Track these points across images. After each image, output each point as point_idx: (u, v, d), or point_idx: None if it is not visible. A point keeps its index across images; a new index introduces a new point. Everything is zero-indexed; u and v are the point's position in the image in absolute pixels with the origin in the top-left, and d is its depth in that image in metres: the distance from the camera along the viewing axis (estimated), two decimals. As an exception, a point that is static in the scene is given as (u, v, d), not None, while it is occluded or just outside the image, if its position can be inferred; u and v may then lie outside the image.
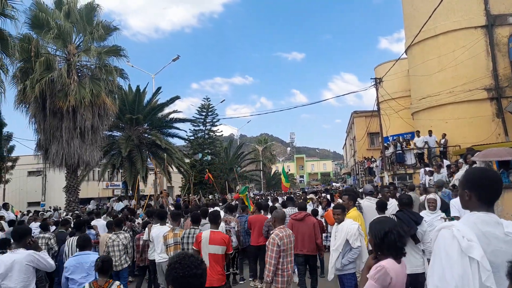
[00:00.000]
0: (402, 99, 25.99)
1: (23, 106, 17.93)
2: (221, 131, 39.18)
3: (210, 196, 26.22)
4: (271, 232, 5.39)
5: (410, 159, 20.28)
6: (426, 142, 19.17)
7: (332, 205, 10.36)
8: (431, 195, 6.95)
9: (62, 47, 18.66)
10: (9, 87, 17.16)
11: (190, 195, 27.66)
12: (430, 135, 18.99)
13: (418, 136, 19.66)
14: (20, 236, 4.64)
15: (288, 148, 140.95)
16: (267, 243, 5.21)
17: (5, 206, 14.03)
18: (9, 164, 28.54)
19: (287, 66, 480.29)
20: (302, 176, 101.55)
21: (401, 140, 21.38)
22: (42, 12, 17.83)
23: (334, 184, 41.27)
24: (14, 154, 30.20)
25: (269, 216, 8.53)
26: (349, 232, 5.36)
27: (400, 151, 20.44)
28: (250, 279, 8.87)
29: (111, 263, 4.41)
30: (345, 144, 54.82)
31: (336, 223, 5.74)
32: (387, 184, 16.04)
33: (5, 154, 24.02)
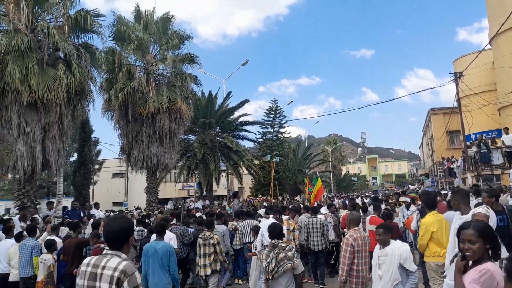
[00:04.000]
0: (486, 93, 23.91)
1: (109, 113, 19.57)
2: (289, 132, 39.16)
3: (280, 198, 26.31)
4: (346, 233, 5.44)
5: (497, 158, 18.58)
6: (516, 140, 17.41)
7: (413, 207, 9.85)
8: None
9: (141, 58, 20.03)
10: (97, 96, 18.88)
11: (260, 196, 27.99)
12: (523, 132, 17.20)
13: (507, 133, 17.93)
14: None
15: (359, 149, 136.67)
16: (341, 243, 5.31)
17: (96, 206, 15.40)
18: (97, 167, 31.23)
19: (355, 64, 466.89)
20: (375, 178, 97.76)
21: (484, 138, 19.65)
22: (123, 26, 19.31)
23: (410, 186, 39.09)
24: (100, 157, 33.02)
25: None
26: (402, 255, 4.65)
27: (486, 150, 18.79)
28: None
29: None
30: (421, 143, 51.79)
31: (379, 246, 4.97)
32: (470, 186, 14.83)
33: (93, 157, 26.35)
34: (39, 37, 13.95)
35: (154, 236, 7.00)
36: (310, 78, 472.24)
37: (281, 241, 4.96)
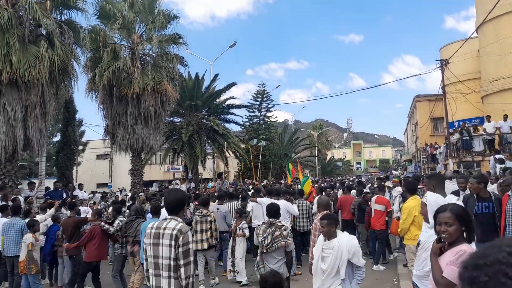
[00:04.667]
0: (471, 81, 24.24)
1: (93, 93, 19.13)
2: (276, 116, 39.21)
3: (265, 181, 26.47)
4: (315, 218, 5.68)
5: (479, 145, 18.97)
6: (498, 128, 17.75)
7: (395, 192, 10.04)
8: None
9: (126, 37, 19.57)
10: (80, 76, 18.40)
11: (246, 180, 28.13)
12: (505, 120, 17.51)
13: (489, 121, 18.27)
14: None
15: (345, 134, 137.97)
16: (311, 227, 5.64)
17: (80, 187, 15.24)
18: (80, 147, 30.77)
19: (344, 49, 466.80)
20: (359, 163, 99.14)
21: (467, 125, 20.00)
22: (108, 4, 18.75)
23: (393, 171, 39.78)
24: (84, 138, 32.51)
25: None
26: (350, 250, 4.22)
27: (468, 137, 19.15)
28: None
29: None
30: (406, 130, 52.48)
31: (323, 237, 4.51)
32: (451, 172, 15.16)
33: (77, 138, 25.92)
34: (20, 13, 13.49)
35: (149, 215, 7.70)
36: (299, 62, 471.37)
37: (277, 220, 5.56)
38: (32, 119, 13.22)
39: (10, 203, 10.06)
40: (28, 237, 6.92)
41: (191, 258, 3.40)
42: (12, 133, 12.60)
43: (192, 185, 20.95)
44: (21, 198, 11.11)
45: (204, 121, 25.51)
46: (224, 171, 19.72)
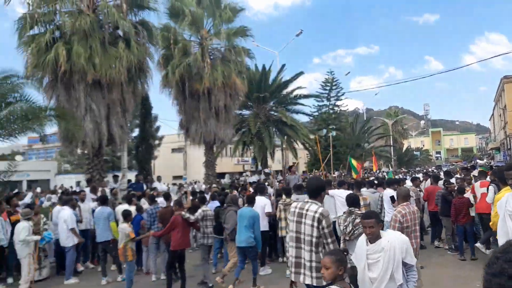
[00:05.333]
0: None
1: (167, 90, 20.08)
2: (346, 105, 37.94)
3: (336, 173, 25.80)
4: (395, 208, 5.39)
5: None
6: None
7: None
8: None
9: (195, 33, 20.17)
10: (154, 73, 19.37)
11: (315, 171, 27.63)
12: None
13: None
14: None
15: (422, 121, 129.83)
16: (390, 220, 5.32)
17: (159, 179, 16.08)
18: (157, 142, 32.51)
19: (418, 31, 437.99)
20: (439, 152, 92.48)
21: None
22: (177, 1, 19.42)
23: (478, 161, 36.51)
24: (160, 133, 34.28)
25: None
26: (403, 247, 3.63)
27: None
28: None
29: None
30: (492, 115, 47.93)
31: (365, 240, 3.79)
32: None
33: (154, 133, 27.43)
34: (100, 17, 14.47)
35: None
36: (369, 47, 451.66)
37: (357, 209, 5.68)
38: (114, 116, 14.22)
39: (98, 194, 10.94)
40: (125, 226, 7.37)
41: (334, 237, 4.01)
42: (97, 130, 13.68)
43: (262, 176, 21.09)
44: (107, 190, 12.01)
45: (272, 112, 25.51)
46: (293, 162, 19.52)
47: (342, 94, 36.17)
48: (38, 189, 21.79)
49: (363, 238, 3.80)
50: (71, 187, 22.62)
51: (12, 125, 11.00)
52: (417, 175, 16.51)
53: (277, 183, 14.91)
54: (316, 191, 4.08)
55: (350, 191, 8.53)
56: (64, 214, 8.40)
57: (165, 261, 8.28)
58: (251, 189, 11.74)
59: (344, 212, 6.09)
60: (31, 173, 29.52)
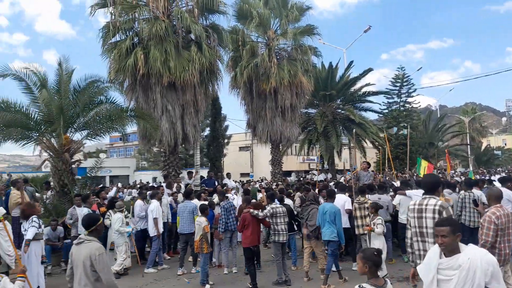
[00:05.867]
0: None
1: (235, 90, 20.73)
2: (418, 102, 36.04)
3: (409, 173, 24.63)
4: (486, 210, 4.97)
5: None
6: None
7: None
8: None
9: (262, 34, 20.54)
10: (224, 75, 20.07)
11: (386, 170, 26.64)
12: None
13: None
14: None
15: (504, 118, 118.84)
16: (481, 220, 4.90)
17: (228, 176, 16.69)
18: (225, 141, 33.62)
19: (498, 21, 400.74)
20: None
21: None
22: (245, 4, 19.90)
23: None
24: (228, 132, 35.39)
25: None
26: (488, 269, 2.97)
27: None
28: None
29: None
30: None
31: (439, 251, 3.20)
32: None
33: (223, 132, 28.44)
34: (174, 22, 15.33)
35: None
36: (442, 41, 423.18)
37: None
38: (187, 116, 15.03)
39: (174, 189, 11.64)
40: (202, 220, 7.82)
41: None
42: (173, 129, 14.57)
43: (329, 175, 20.87)
44: (182, 185, 12.73)
45: (339, 110, 25.07)
46: (362, 161, 18.96)
47: (414, 91, 34.48)
48: (119, 184, 23.65)
49: (436, 248, 3.22)
50: (148, 182, 24.23)
51: (98, 125, 12.12)
52: (496, 176, 15.27)
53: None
54: (433, 187, 4.33)
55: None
56: (152, 205, 9.08)
57: (236, 255, 8.67)
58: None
59: None
60: (113, 169, 32.09)
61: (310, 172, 27.99)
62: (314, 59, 21.76)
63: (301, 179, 20.82)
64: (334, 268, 7.40)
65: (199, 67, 14.53)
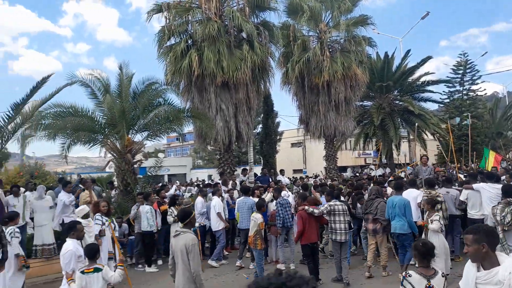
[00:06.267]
0: None
1: (286, 86, 20.59)
2: (484, 89, 33.53)
3: (473, 165, 23.05)
4: None
5: None
6: None
7: None
8: None
9: (314, 27, 20.16)
10: (275, 71, 20.02)
11: (448, 163, 25.14)
12: None
13: None
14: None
15: None
16: None
17: (282, 172, 16.67)
18: (277, 137, 33.60)
19: None
20: None
21: None
22: (296, -2, 19.64)
23: None
24: (279, 129, 35.31)
25: None
26: None
27: None
28: None
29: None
30: None
31: (478, 265, 2.83)
32: None
33: (276, 129, 28.41)
34: (226, 22, 15.52)
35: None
36: (509, 23, 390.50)
37: None
38: (241, 114, 15.20)
39: (230, 186, 11.82)
40: (258, 217, 7.91)
41: None
42: (227, 127, 14.81)
43: (388, 170, 20.09)
44: (238, 182, 12.90)
45: (397, 102, 24.02)
46: (422, 155, 18.00)
47: (478, 78, 32.14)
48: (177, 182, 24.52)
49: None
50: (204, 180, 24.89)
51: (157, 126, 12.61)
52: None
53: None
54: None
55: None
56: (213, 201, 9.39)
57: (294, 251, 8.66)
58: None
59: (499, 203, 6.22)
60: (171, 168, 33.31)
61: (367, 167, 27.09)
62: (369, 50, 21.00)
63: (357, 174, 20.20)
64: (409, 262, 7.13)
65: (251, 65, 14.61)
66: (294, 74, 18.80)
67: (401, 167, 19.43)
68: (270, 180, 13.95)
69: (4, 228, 6.12)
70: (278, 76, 20.64)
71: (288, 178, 21.21)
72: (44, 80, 10.83)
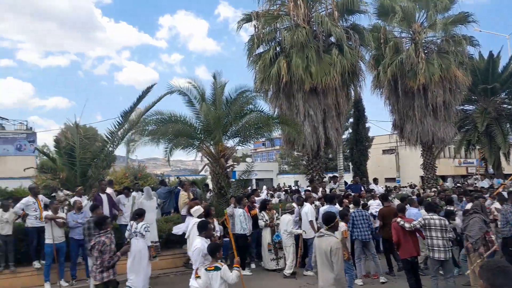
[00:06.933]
0: None
1: (378, 90, 19.76)
2: None
3: None
4: None
5: None
6: None
7: None
8: None
9: (407, 28, 19.12)
10: (366, 75, 19.37)
11: None
12: None
13: None
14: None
15: None
16: None
17: (375, 181, 15.80)
18: (367, 144, 32.34)
19: None
20: None
21: None
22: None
23: None
24: (369, 134, 33.92)
25: None
26: None
27: None
28: None
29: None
30: None
31: None
32: None
33: (367, 135, 27.37)
34: (314, 28, 15.49)
35: None
36: None
37: None
38: (329, 120, 14.98)
39: (319, 194, 11.66)
40: (341, 225, 7.68)
41: None
42: (315, 133, 14.69)
43: (495, 181, 18.08)
44: (327, 190, 12.69)
45: (505, 105, 21.64)
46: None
47: None
48: (264, 187, 24.95)
49: None
50: (290, 186, 24.96)
51: (248, 132, 12.99)
52: None
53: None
54: None
55: None
56: (305, 208, 9.28)
57: (379, 264, 8.27)
58: (486, 196, 10.18)
59: None
60: (258, 173, 34.02)
61: (470, 177, 24.69)
62: (470, 50, 19.28)
63: (459, 184, 18.50)
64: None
65: (341, 69, 14.34)
66: (386, 78, 17.99)
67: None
68: (362, 189, 13.45)
69: (135, 223, 7.13)
70: (368, 80, 19.95)
71: (383, 187, 20.28)
72: (148, 90, 11.95)
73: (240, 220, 9.32)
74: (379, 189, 14.83)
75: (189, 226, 7.82)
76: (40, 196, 9.00)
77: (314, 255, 4.97)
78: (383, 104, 19.87)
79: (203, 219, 6.82)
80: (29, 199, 8.63)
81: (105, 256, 5.59)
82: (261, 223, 9.43)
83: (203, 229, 5.66)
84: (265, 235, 9.48)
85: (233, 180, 13.35)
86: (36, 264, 8.44)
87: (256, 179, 34.21)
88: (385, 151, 39.34)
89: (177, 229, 8.71)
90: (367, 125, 29.42)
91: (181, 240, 9.89)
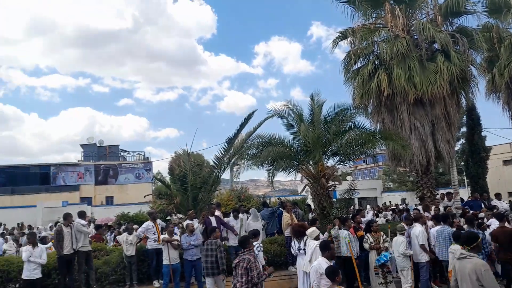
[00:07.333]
0: None
1: (493, 95, 17.77)
2: None
3: None
4: None
5: None
6: None
7: None
8: None
9: (526, 23, 16.93)
10: (478, 80, 17.55)
11: None
12: None
13: None
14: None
15: None
16: None
17: (498, 197, 13.97)
18: (484, 154, 28.92)
19: None
20: None
21: None
22: (498, -5, 17.01)
23: None
24: (486, 144, 30.29)
25: None
26: None
27: None
28: None
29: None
30: None
31: None
32: None
33: (484, 145, 24.52)
34: (415, 36, 14.64)
35: None
36: None
37: None
38: (439, 131, 13.82)
39: (432, 212, 10.74)
40: (457, 248, 6.91)
41: None
42: (423, 147, 13.65)
43: None
44: (441, 208, 11.60)
45: None
46: None
47: None
48: (368, 207, 23.88)
49: None
50: (397, 204, 23.46)
51: (349, 150, 12.67)
52: None
53: None
54: None
55: None
56: (415, 230, 8.67)
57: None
58: None
59: None
60: (360, 192, 32.76)
61: None
62: None
63: None
64: None
65: (448, 77, 13.23)
66: (503, 80, 16.08)
67: None
68: (483, 206, 12.02)
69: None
70: (482, 85, 18.00)
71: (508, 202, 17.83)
72: (249, 117, 12.51)
73: (345, 242, 9.01)
74: (503, 205, 13.08)
75: (307, 249, 7.72)
76: (158, 220, 9.89)
77: (455, 278, 4.69)
78: (501, 110, 17.74)
79: (325, 239, 6.80)
80: (149, 223, 9.52)
81: (253, 273, 5.69)
82: (365, 245, 9.02)
83: (326, 248, 5.68)
84: (372, 257, 9.04)
85: (335, 200, 13.05)
86: (156, 284, 9.20)
87: (359, 198, 32.88)
88: (506, 162, 34.83)
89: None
90: (483, 134, 26.44)
91: (286, 262, 9.91)
